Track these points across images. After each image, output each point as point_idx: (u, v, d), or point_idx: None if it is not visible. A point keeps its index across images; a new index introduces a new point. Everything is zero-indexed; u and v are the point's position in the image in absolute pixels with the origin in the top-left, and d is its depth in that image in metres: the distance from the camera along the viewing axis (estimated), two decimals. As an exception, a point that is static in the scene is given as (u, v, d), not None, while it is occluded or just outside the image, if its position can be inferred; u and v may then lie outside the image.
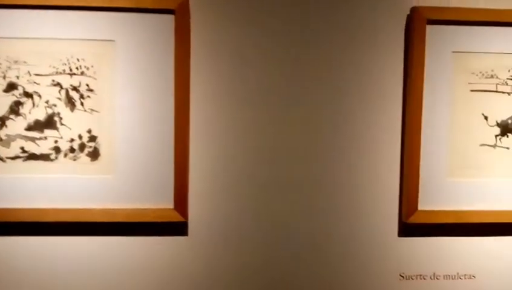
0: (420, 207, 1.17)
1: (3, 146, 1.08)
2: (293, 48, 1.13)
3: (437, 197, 1.17)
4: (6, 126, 1.08)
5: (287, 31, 1.13)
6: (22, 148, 1.09)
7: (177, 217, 1.11)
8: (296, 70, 1.14)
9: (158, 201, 1.11)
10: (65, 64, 1.08)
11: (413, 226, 1.17)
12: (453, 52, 1.15)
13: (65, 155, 1.09)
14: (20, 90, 1.07)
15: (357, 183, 1.17)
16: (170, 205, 1.11)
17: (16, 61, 1.07)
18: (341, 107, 1.15)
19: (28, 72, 1.07)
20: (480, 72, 1.16)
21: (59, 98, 1.08)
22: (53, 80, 1.08)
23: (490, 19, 1.15)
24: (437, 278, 1.20)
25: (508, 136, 1.18)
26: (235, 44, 1.12)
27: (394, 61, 1.16)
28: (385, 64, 1.16)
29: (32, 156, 1.09)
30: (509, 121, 1.18)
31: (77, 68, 1.08)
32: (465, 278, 1.21)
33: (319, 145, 1.15)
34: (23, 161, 1.09)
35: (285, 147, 1.15)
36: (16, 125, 1.08)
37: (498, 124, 1.18)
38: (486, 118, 1.17)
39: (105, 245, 1.13)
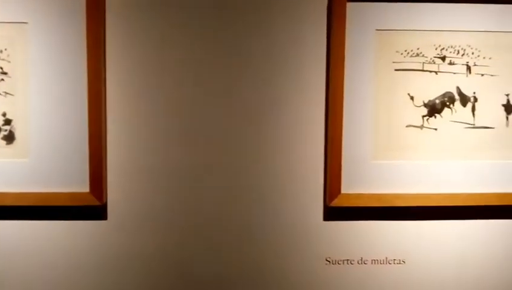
0: (344, 190, 1.14)
1: None
2: (210, 30, 1.11)
3: (362, 180, 1.15)
4: None
5: (206, 14, 1.11)
6: None
7: (93, 201, 1.11)
8: (214, 50, 1.12)
9: (74, 185, 1.11)
10: (-23, 47, 1.08)
11: (337, 209, 1.15)
12: (377, 30, 1.12)
13: (-20, 139, 1.10)
14: None
15: (282, 167, 1.15)
16: (86, 188, 1.11)
17: None
18: (263, 90, 1.13)
19: None
20: (406, 51, 1.13)
21: (-28, 82, 1.08)
22: (-34, 64, 1.08)
23: (416, -5, 1.11)
24: (364, 263, 1.19)
25: (435, 117, 1.15)
26: (151, 27, 1.11)
27: (317, 42, 1.13)
28: (308, 45, 1.13)
29: None
30: (437, 101, 1.14)
31: (-11, 51, 1.08)
32: (394, 263, 1.19)
33: (240, 128, 1.13)
34: None
35: (204, 130, 1.13)
36: None
37: (425, 105, 1.14)
38: (412, 98, 1.14)
39: (20, 229, 1.13)
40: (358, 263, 1.18)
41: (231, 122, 1.13)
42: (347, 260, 1.18)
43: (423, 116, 1.14)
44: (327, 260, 1.18)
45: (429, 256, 1.19)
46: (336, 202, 1.14)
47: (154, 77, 1.12)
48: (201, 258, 1.16)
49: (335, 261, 1.18)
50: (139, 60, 1.11)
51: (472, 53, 1.13)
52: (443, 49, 1.13)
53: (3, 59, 1.09)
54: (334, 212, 1.16)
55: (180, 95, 1.12)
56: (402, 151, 1.15)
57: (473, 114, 1.15)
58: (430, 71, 1.14)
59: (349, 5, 1.11)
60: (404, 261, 1.19)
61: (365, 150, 1.14)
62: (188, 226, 1.15)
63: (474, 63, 1.14)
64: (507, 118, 1.15)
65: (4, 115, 1.10)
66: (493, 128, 1.15)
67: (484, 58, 1.14)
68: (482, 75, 1.14)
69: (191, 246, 1.16)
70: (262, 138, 1.14)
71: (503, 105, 1.15)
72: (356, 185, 1.15)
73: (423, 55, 1.13)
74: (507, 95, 1.15)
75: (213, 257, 1.16)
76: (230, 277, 1.17)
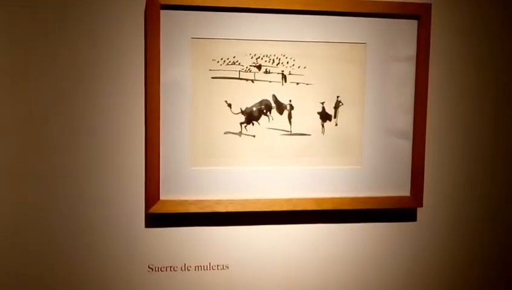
0: (163, 197, 1.16)
1: None
2: (26, 33, 1.10)
3: (181, 187, 1.17)
4: None
5: (21, 16, 1.10)
6: None
7: None
8: (31, 54, 1.11)
9: None
10: None
11: (157, 216, 1.17)
12: (192, 38, 1.15)
13: None
14: None
15: (104, 174, 1.16)
16: None
17: None
18: (83, 96, 1.13)
19: None
20: (222, 59, 1.16)
21: None
22: None
23: (231, 5, 1.15)
24: (188, 269, 1.21)
25: (253, 124, 1.19)
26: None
27: (134, 49, 1.15)
28: (126, 52, 1.15)
29: None
30: (254, 109, 1.18)
31: None
32: (218, 269, 1.22)
33: (59, 135, 1.13)
34: None
35: (23, 137, 1.12)
36: None
37: (242, 112, 1.18)
38: (230, 105, 1.17)
39: None
40: (181, 269, 1.20)
41: (49, 128, 1.12)
42: (170, 266, 1.20)
43: (241, 123, 1.18)
44: (149, 267, 1.19)
45: (253, 260, 1.23)
46: (155, 209, 1.16)
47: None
48: (19, 266, 1.14)
49: (158, 268, 1.20)
50: None
51: (287, 62, 1.18)
52: (258, 58, 1.17)
53: None
54: (155, 219, 1.18)
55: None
56: (221, 157, 1.18)
57: (290, 121, 1.20)
58: (247, 79, 1.17)
59: (163, 12, 1.13)
60: (228, 267, 1.22)
61: (184, 157, 1.16)
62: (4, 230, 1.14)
63: (289, 72, 1.18)
64: (323, 125, 1.21)
65: None
66: (309, 135, 1.21)
67: (299, 67, 1.19)
68: (298, 83, 1.19)
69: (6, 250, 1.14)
70: (83, 145, 1.14)
71: (319, 113, 1.21)
72: (175, 192, 1.17)
73: (239, 64, 1.17)
74: (322, 103, 1.20)
75: (36, 263, 1.15)
76: (53, 283, 1.16)
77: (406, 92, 1.23)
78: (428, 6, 1.21)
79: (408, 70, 1.22)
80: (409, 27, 1.22)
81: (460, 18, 1.25)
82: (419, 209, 1.27)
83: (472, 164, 1.30)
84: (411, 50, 1.22)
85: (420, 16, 1.21)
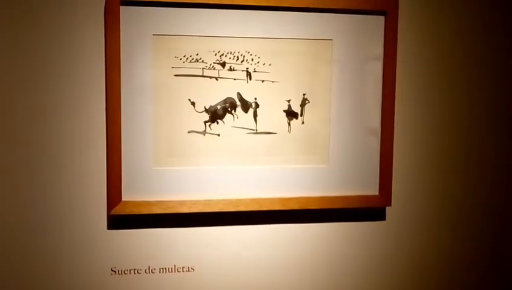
0: (125, 198, 1.16)
1: None
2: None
3: (144, 187, 1.17)
4: None
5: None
6: None
7: None
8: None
9: None
10: None
11: (120, 217, 1.16)
12: (154, 35, 1.15)
13: None
14: None
15: (64, 175, 1.15)
16: None
17: None
18: (42, 93, 1.13)
19: None
20: (185, 56, 1.16)
21: None
22: None
23: (194, 1, 1.15)
24: (152, 272, 1.20)
25: (217, 123, 1.19)
26: None
27: (95, 46, 1.14)
28: (87, 49, 1.14)
29: None
30: (219, 107, 1.18)
31: None
32: (183, 271, 1.22)
33: (21, 134, 1.12)
34: None
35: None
36: None
37: (207, 110, 1.18)
38: (193, 103, 1.17)
39: None
40: (146, 272, 1.20)
41: (8, 128, 1.12)
42: (134, 269, 1.20)
43: (205, 122, 1.18)
44: (112, 270, 1.19)
45: (219, 262, 1.23)
46: (117, 210, 1.15)
47: None
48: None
49: (121, 271, 1.19)
50: None
51: (252, 59, 1.18)
52: (222, 55, 1.17)
53: None
54: (118, 221, 1.17)
55: None
56: (185, 157, 1.18)
57: (255, 120, 1.20)
58: (210, 77, 1.17)
59: (124, 8, 1.13)
60: (193, 269, 1.22)
61: (147, 157, 1.16)
62: None
63: (254, 69, 1.19)
64: (289, 123, 1.21)
65: None
66: (275, 133, 1.21)
67: (264, 64, 1.19)
68: (263, 81, 1.19)
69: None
70: (43, 145, 1.13)
71: (285, 111, 1.21)
72: (138, 192, 1.17)
73: (203, 61, 1.17)
74: (288, 101, 1.21)
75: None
76: (13, 288, 1.15)
77: (374, 89, 1.24)
78: (395, 2, 1.22)
79: (376, 67, 1.23)
80: (376, 23, 1.23)
81: (428, 12, 1.26)
82: (388, 208, 1.28)
83: (441, 163, 1.31)
84: (378, 46, 1.23)
85: (387, 11, 1.22)
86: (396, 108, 1.24)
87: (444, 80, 1.29)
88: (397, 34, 1.22)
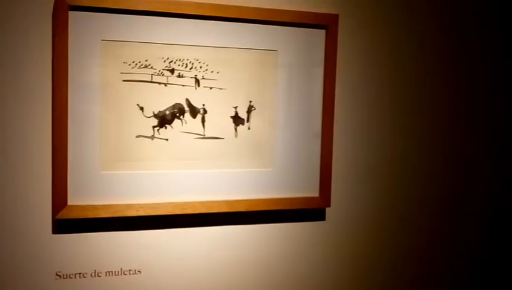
0: (71, 202, 1.17)
1: None
2: None
3: (91, 191, 1.18)
4: None
5: None
6: None
7: None
8: None
9: None
10: None
11: (65, 222, 1.17)
12: (102, 40, 1.17)
13: None
14: None
15: (8, 179, 1.15)
16: None
17: None
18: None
19: None
20: (134, 62, 1.19)
21: None
22: None
23: (144, 8, 1.18)
24: (98, 276, 1.22)
25: (166, 128, 1.22)
26: None
27: (42, 52, 1.15)
28: (34, 55, 1.14)
29: None
30: (167, 113, 1.22)
31: None
32: (130, 274, 1.24)
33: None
34: None
35: None
36: None
37: (155, 115, 1.22)
38: (142, 109, 1.20)
39: None
40: (92, 275, 1.22)
41: None
42: (80, 273, 1.21)
43: (154, 126, 1.22)
44: (57, 275, 1.20)
45: (166, 264, 1.27)
46: (62, 214, 1.16)
47: None
48: None
49: (66, 275, 1.20)
50: None
51: (201, 67, 1.24)
52: (171, 61, 1.21)
53: None
54: (63, 225, 1.18)
55: None
56: (133, 161, 1.21)
57: (203, 125, 1.25)
58: (159, 83, 1.21)
59: (72, 13, 1.14)
60: (140, 271, 1.25)
61: (94, 161, 1.18)
62: None
63: (203, 76, 1.24)
64: (236, 129, 1.28)
65: None
66: (222, 138, 1.27)
67: (212, 72, 1.24)
68: (211, 88, 1.25)
69: None
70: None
71: (232, 117, 1.27)
72: (85, 197, 1.18)
73: (151, 67, 1.20)
74: (235, 107, 1.27)
75: None
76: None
77: (316, 96, 1.33)
78: (335, 17, 1.32)
79: (317, 76, 1.32)
80: (318, 35, 1.32)
81: (366, 27, 1.37)
82: (327, 209, 1.37)
83: (379, 164, 1.42)
84: (320, 57, 1.32)
85: (328, 25, 1.31)
86: (335, 113, 1.34)
87: (379, 85, 1.40)
88: (337, 46, 1.32)
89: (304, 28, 1.30)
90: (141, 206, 1.21)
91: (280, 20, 1.27)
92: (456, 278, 1.56)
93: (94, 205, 1.19)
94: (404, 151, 1.44)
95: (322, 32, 1.32)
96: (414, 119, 1.44)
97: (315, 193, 1.34)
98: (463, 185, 1.52)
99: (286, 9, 1.28)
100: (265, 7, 1.26)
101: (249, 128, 1.29)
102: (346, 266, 1.42)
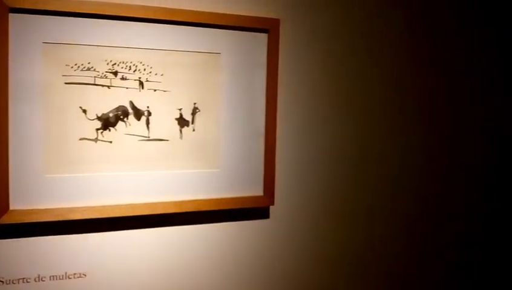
0: (13, 206, 1.16)
1: None
2: None
3: (34, 195, 1.18)
4: None
5: None
6: None
7: None
8: None
9: None
10: None
11: (7, 226, 1.16)
12: (44, 43, 1.17)
13: None
14: None
15: None
16: None
17: None
18: None
19: None
20: (76, 65, 1.20)
21: None
22: None
23: (85, 11, 1.18)
24: (42, 280, 1.21)
25: (110, 130, 1.23)
26: None
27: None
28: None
29: None
30: (111, 115, 1.23)
31: None
32: (75, 277, 1.24)
33: None
34: None
35: None
36: None
37: (99, 118, 1.22)
38: (85, 111, 1.21)
39: None
40: (35, 280, 1.21)
41: None
42: (23, 278, 1.20)
43: (98, 129, 1.22)
44: (0, 281, 1.18)
45: (111, 267, 1.27)
46: (4, 219, 1.15)
47: None
48: None
49: (9, 281, 1.19)
50: None
51: (144, 69, 1.25)
52: (115, 64, 1.23)
53: None
54: (5, 230, 1.17)
55: None
56: (76, 164, 1.21)
57: (148, 127, 1.27)
58: (103, 85, 1.22)
59: (12, 16, 1.14)
60: (85, 275, 1.25)
61: (37, 164, 1.18)
62: None
63: (147, 78, 1.26)
64: (180, 131, 1.30)
65: None
66: (167, 140, 1.29)
67: (156, 74, 1.26)
68: (155, 90, 1.27)
69: None
70: None
71: (177, 119, 1.29)
72: (27, 201, 1.18)
73: (94, 70, 1.21)
74: (180, 109, 1.29)
75: None
76: None
77: (259, 97, 1.37)
78: (276, 21, 1.37)
79: (260, 77, 1.37)
80: (260, 39, 1.36)
81: (307, 31, 1.43)
82: (271, 207, 1.42)
83: (320, 163, 1.48)
84: (262, 59, 1.37)
85: (270, 29, 1.36)
86: (278, 113, 1.38)
87: (320, 86, 1.46)
88: (278, 49, 1.37)
89: (247, 32, 1.34)
90: (86, 209, 1.22)
91: (223, 24, 1.31)
92: (399, 273, 1.63)
93: (37, 209, 1.18)
94: (344, 149, 1.50)
95: (265, 35, 1.36)
96: (353, 118, 1.51)
97: (259, 192, 1.38)
98: (400, 181, 1.60)
99: (230, 13, 1.31)
100: (210, 11, 1.29)
101: (193, 130, 1.31)
102: (290, 262, 1.47)
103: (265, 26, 1.36)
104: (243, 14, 1.34)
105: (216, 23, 1.31)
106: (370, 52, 1.51)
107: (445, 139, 1.66)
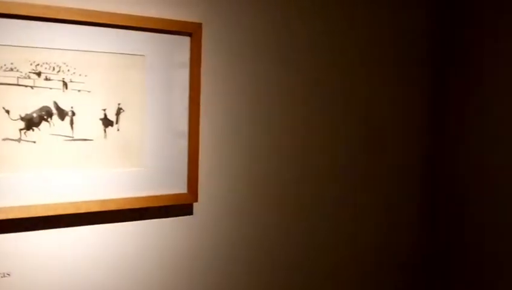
0: None
1: None
2: None
3: (-47, 196, 1.16)
4: None
5: None
6: None
7: None
8: None
9: None
10: None
11: None
12: (-35, 43, 1.15)
13: None
14: None
15: None
16: None
17: None
18: None
19: None
20: (-2, 65, 1.19)
21: None
22: None
23: (7, 11, 1.18)
24: (-36, 281, 1.20)
25: (33, 130, 1.24)
26: None
27: None
28: None
29: None
30: (34, 115, 1.24)
31: None
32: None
33: None
34: None
35: None
36: None
37: (22, 118, 1.23)
38: (8, 111, 1.21)
39: None
40: (-44, 282, 1.20)
41: None
42: None
43: (21, 129, 1.23)
44: None
45: (37, 266, 1.29)
46: None
47: None
48: None
49: None
50: None
51: (68, 70, 1.28)
52: (38, 65, 1.24)
53: None
54: None
55: None
56: (0, 164, 1.21)
57: (72, 127, 1.29)
58: (26, 86, 1.23)
59: None
60: (9, 274, 1.26)
61: (-44, 165, 1.16)
62: None
63: (71, 79, 1.28)
64: (105, 130, 1.34)
65: None
66: (92, 140, 1.32)
67: (80, 75, 1.29)
68: (79, 91, 1.30)
69: None
70: None
71: (101, 119, 1.33)
72: None
73: (17, 70, 1.22)
74: (104, 109, 1.33)
75: None
76: None
77: (183, 97, 1.44)
78: (199, 25, 1.44)
79: (184, 79, 1.43)
80: (184, 42, 1.43)
81: (227, 34, 1.51)
82: (195, 204, 1.50)
83: (243, 161, 1.57)
84: (186, 61, 1.43)
85: (192, 33, 1.43)
86: (201, 112, 1.46)
87: (242, 86, 1.55)
88: (201, 51, 1.44)
89: (171, 35, 1.40)
90: (11, 209, 1.23)
91: (147, 27, 1.36)
92: (322, 269, 1.77)
93: (-43, 210, 1.17)
94: (267, 148, 1.61)
95: (188, 39, 1.43)
96: (276, 117, 1.62)
97: (183, 189, 1.46)
98: (326, 181, 1.74)
99: (154, 16, 1.37)
100: (134, 14, 1.33)
101: (118, 130, 1.36)
102: (211, 258, 1.56)
103: (188, 30, 1.42)
104: (167, 17, 1.39)
105: (140, 26, 1.35)
106: (289, 53, 1.62)
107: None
